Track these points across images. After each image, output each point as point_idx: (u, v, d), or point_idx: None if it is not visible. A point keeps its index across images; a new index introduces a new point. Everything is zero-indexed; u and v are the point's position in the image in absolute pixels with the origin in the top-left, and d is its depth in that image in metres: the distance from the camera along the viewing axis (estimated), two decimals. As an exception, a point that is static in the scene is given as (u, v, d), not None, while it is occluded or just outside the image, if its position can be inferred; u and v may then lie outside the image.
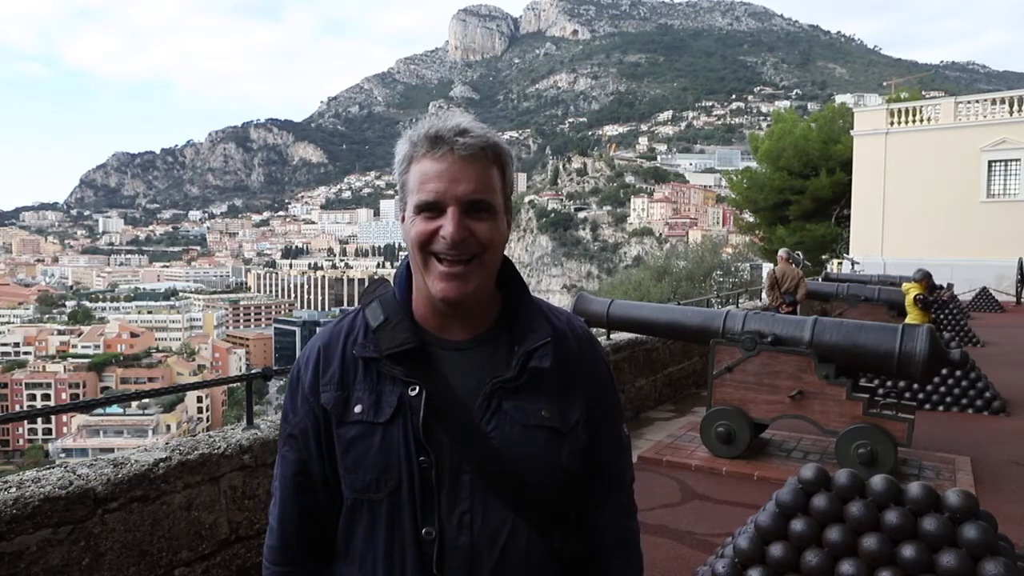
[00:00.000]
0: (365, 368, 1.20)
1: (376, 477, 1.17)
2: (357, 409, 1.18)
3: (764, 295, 11.73)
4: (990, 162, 24.30)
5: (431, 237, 1.14)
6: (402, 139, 1.19)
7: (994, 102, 25.02)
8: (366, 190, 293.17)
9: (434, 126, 1.15)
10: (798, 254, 23.18)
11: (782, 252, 11.00)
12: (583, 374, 1.28)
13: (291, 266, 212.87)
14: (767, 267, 25.26)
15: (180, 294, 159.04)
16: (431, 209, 1.14)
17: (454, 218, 1.12)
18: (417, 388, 1.16)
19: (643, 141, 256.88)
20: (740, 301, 15.62)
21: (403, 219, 1.20)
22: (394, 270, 1.36)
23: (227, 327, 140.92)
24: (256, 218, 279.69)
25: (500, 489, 1.16)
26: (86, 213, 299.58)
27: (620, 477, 1.35)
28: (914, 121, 26.05)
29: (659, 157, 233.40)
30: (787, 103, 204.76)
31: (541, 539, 1.20)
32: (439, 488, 1.16)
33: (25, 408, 3.41)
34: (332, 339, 1.25)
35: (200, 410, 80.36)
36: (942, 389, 7.60)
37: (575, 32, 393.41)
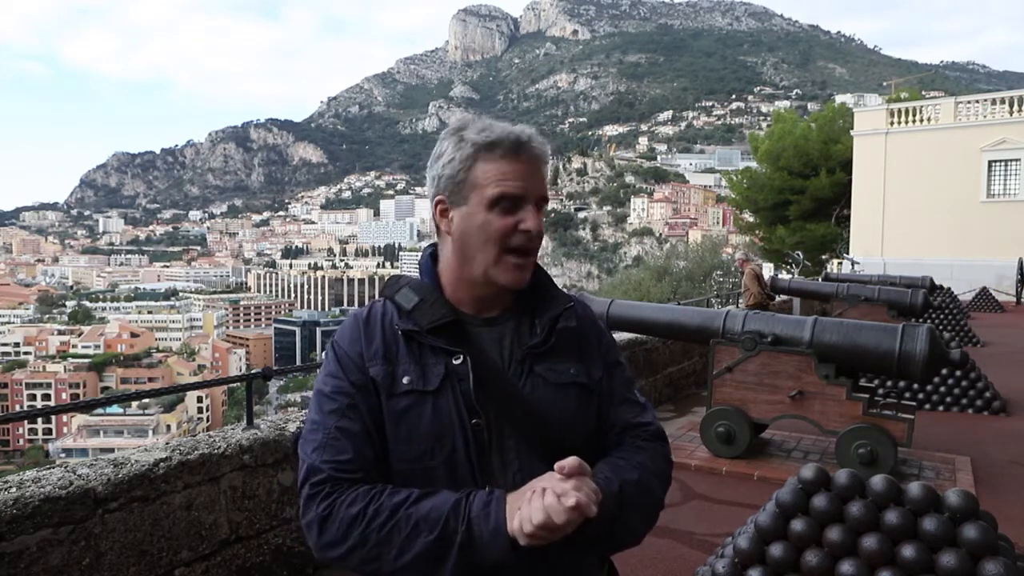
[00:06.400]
0: (407, 344, 1.27)
1: (431, 445, 1.22)
2: (405, 380, 1.24)
3: (754, 293, 11.97)
4: (990, 162, 24.30)
5: (511, 231, 1.25)
6: (453, 137, 1.28)
7: (994, 102, 25.01)
8: (366, 190, 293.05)
9: (510, 132, 1.27)
10: (798, 254, 23.20)
11: (741, 255, 11.59)
12: (597, 337, 1.43)
13: (291, 266, 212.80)
14: (767, 267, 25.24)
15: (180, 294, 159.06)
16: (511, 202, 1.25)
17: (535, 213, 1.26)
18: (461, 357, 1.24)
19: (643, 141, 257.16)
20: (740, 301, 15.60)
21: (444, 210, 1.29)
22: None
23: (227, 327, 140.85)
24: (256, 218, 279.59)
25: (541, 448, 1.24)
26: (86, 213, 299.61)
27: (645, 426, 1.43)
28: (914, 121, 26.04)
29: (659, 157, 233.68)
30: (787, 103, 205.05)
31: None
32: (491, 449, 1.24)
33: (25, 408, 3.40)
34: (371, 317, 1.32)
35: (200, 410, 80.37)
36: (942, 389, 7.59)
37: (575, 32, 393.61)
